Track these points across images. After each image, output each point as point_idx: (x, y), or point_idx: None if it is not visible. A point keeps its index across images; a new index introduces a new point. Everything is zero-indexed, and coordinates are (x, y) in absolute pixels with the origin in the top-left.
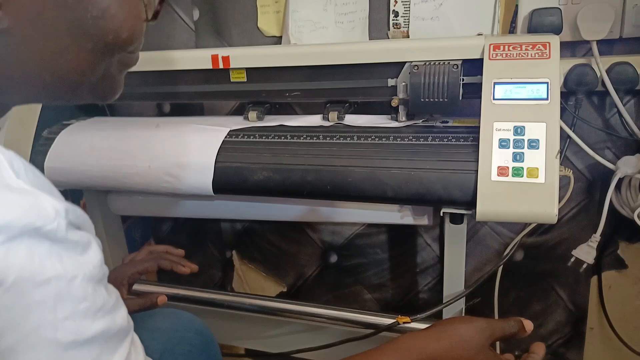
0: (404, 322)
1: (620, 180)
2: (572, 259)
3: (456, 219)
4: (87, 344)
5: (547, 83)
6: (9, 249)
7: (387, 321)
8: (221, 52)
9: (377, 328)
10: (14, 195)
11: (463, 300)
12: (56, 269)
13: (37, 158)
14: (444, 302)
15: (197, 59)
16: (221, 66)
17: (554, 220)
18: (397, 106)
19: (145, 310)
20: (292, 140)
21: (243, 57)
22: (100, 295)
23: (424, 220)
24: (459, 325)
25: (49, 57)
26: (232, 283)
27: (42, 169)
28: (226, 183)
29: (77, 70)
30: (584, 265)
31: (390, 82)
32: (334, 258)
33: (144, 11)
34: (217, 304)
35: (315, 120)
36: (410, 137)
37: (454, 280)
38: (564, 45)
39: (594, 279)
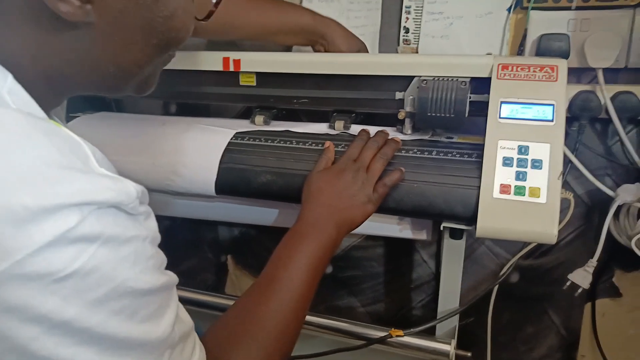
0: (396, 336)
1: (619, 207)
2: (568, 283)
3: (456, 234)
4: (157, 292)
5: (553, 105)
6: (99, 215)
7: (380, 334)
8: (232, 55)
9: (369, 340)
10: (105, 180)
11: (457, 317)
12: (133, 231)
13: None
14: (437, 317)
15: (208, 60)
16: (232, 69)
17: (554, 240)
18: (404, 119)
19: None
20: (297, 145)
21: (254, 61)
22: (160, 254)
23: (423, 235)
24: None
25: (119, 51)
26: (225, 287)
27: None
28: (229, 184)
29: (137, 64)
30: (579, 290)
31: (398, 95)
32: (329, 269)
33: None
34: (211, 306)
35: (321, 128)
36: (415, 150)
37: (449, 296)
38: (570, 71)
39: (588, 305)
